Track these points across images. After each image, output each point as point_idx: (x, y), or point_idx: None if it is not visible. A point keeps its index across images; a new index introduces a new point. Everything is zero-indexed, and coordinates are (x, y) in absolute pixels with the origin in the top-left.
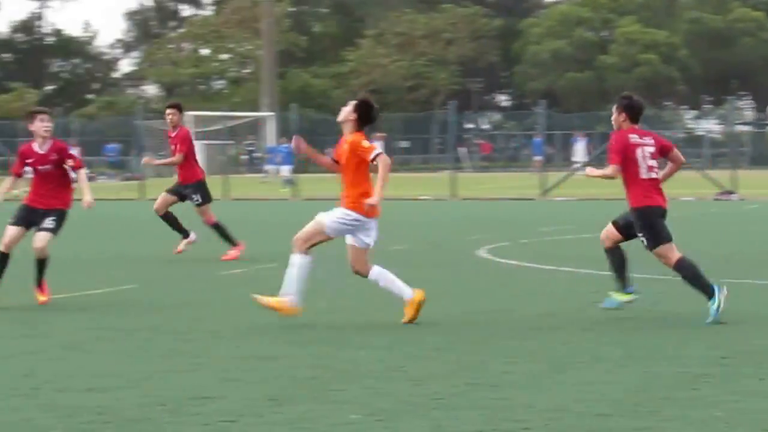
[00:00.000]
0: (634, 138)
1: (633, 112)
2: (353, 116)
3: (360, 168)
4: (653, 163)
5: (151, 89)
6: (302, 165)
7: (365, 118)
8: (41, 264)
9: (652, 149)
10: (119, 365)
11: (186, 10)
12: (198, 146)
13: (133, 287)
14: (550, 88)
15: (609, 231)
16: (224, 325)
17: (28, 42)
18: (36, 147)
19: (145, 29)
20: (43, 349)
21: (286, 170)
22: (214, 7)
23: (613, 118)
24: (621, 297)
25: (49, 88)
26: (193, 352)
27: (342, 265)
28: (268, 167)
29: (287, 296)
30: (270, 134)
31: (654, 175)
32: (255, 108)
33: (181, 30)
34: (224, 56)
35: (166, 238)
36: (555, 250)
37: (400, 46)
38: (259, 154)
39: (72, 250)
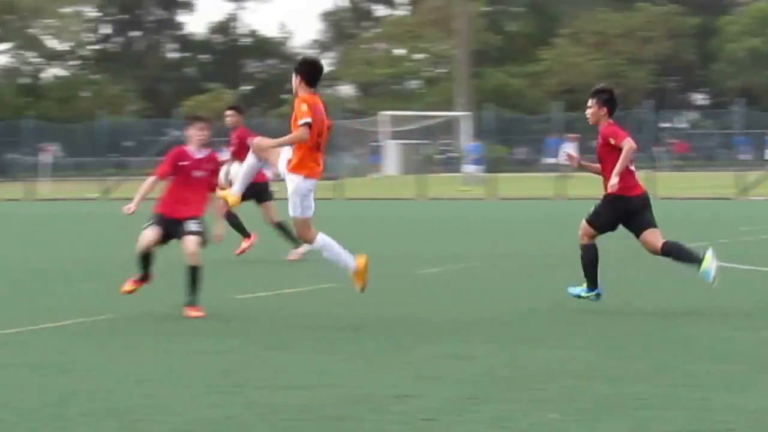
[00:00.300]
0: None
1: (614, 107)
2: (298, 79)
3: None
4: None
5: (346, 89)
6: (496, 165)
7: (310, 76)
8: (195, 273)
9: None
10: (319, 363)
11: (380, 10)
12: (393, 146)
13: (332, 286)
14: (748, 86)
15: (643, 240)
16: (422, 324)
17: (224, 43)
18: (191, 151)
19: (340, 30)
20: (244, 347)
21: (471, 168)
22: (408, 7)
23: (591, 111)
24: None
25: (245, 88)
26: (391, 350)
27: (524, 267)
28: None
29: (349, 269)
30: (466, 134)
31: (631, 167)
32: (450, 107)
33: (376, 30)
34: (419, 56)
35: (365, 237)
36: (754, 250)
37: (595, 45)
38: (454, 154)
39: (267, 248)
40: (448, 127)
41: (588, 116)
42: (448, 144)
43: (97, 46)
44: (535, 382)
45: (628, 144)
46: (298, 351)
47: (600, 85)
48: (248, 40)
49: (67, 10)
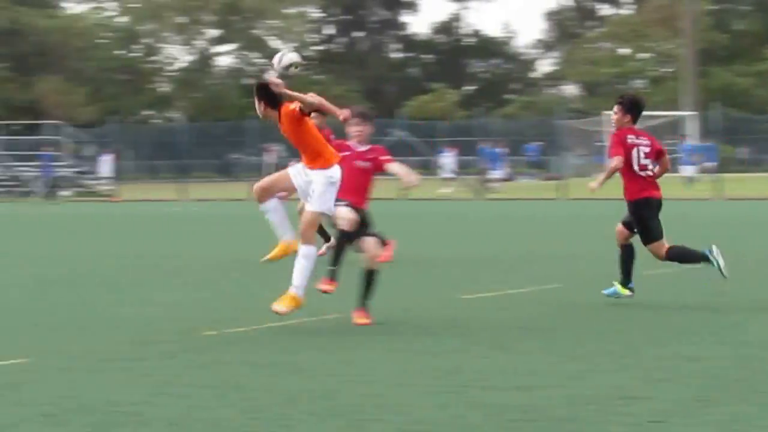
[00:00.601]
0: (631, 138)
1: (637, 114)
2: (262, 105)
3: (308, 132)
4: (646, 162)
5: (570, 89)
6: (723, 165)
7: (271, 99)
8: (371, 277)
9: (647, 149)
10: (544, 364)
11: (604, 9)
12: None
13: (557, 286)
14: None
15: (619, 229)
16: (649, 325)
17: (447, 43)
18: (353, 145)
19: (564, 29)
20: (469, 347)
21: (689, 169)
22: (633, 6)
23: (615, 117)
24: (622, 290)
25: (468, 88)
26: (618, 352)
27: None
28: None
29: (297, 290)
30: (692, 133)
31: (647, 174)
32: (675, 107)
33: (600, 29)
34: (644, 55)
35: (587, 236)
36: None
37: None
38: (679, 154)
39: (492, 249)
40: (674, 127)
41: (613, 122)
42: (673, 144)
43: (320, 47)
44: (766, 384)
45: (611, 162)
46: (523, 351)
47: (626, 94)
48: (472, 40)
49: (291, 10)
